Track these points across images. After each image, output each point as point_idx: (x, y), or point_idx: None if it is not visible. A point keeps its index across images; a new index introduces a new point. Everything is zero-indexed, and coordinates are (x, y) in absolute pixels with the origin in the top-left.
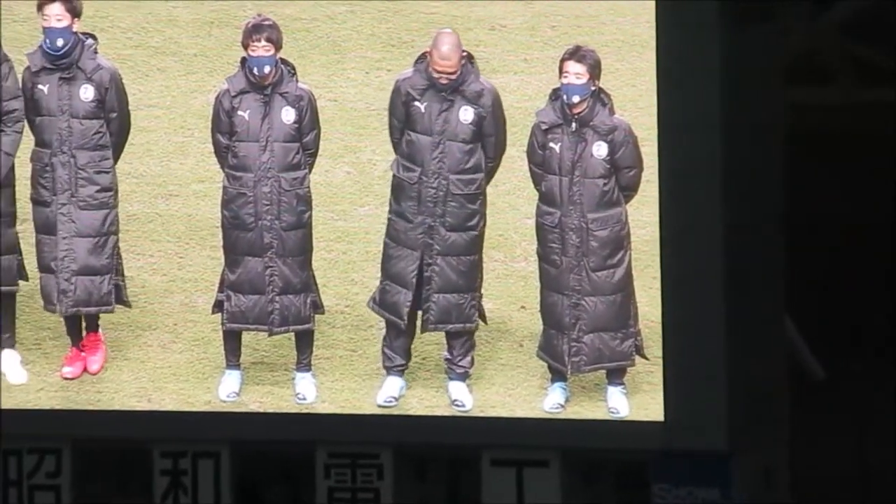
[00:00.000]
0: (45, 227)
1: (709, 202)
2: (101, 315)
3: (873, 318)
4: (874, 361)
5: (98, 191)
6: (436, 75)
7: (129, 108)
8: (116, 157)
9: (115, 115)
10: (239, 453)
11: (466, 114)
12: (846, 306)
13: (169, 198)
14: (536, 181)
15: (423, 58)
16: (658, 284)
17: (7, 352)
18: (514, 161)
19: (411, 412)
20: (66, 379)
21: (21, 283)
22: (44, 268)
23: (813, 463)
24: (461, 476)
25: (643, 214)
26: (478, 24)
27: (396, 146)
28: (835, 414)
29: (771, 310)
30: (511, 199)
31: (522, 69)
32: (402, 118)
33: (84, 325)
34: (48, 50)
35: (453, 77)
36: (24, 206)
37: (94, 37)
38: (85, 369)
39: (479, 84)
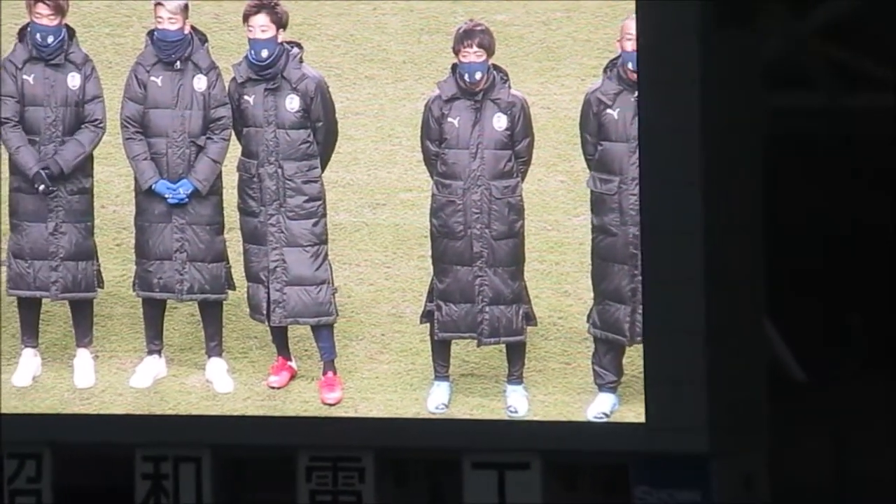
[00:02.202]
0: (253, 237)
1: (690, 205)
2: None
3: (854, 322)
4: (854, 366)
5: (306, 201)
6: (630, 49)
7: (336, 116)
8: (323, 167)
9: (321, 124)
10: (221, 457)
11: None
12: (827, 310)
13: (376, 207)
14: None
15: (612, 64)
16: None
17: (214, 360)
18: None
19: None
20: (273, 388)
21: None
22: (252, 277)
23: (792, 467)
24: (442, 479)
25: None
26: None
27: (591, 162)
28: (815, 419)
29: (752, 313)
30: None
31: None
32: (594, 131)
33: (322, 363)
34: (253, 61)
35: None
36: (230, 215)
37: (300, 45)
38: (291, 378)
39: None
